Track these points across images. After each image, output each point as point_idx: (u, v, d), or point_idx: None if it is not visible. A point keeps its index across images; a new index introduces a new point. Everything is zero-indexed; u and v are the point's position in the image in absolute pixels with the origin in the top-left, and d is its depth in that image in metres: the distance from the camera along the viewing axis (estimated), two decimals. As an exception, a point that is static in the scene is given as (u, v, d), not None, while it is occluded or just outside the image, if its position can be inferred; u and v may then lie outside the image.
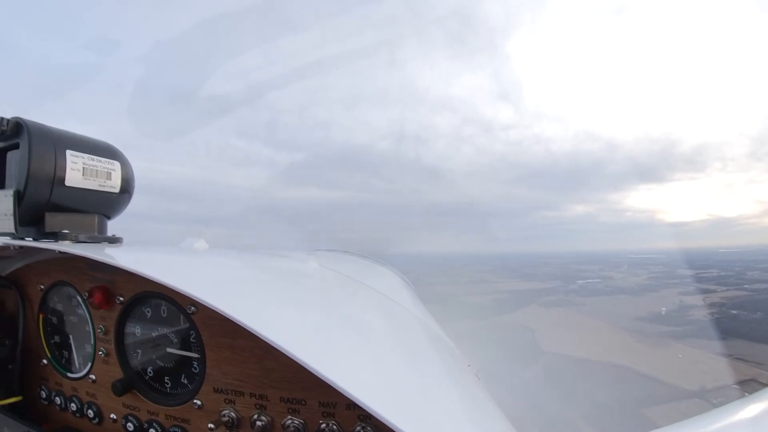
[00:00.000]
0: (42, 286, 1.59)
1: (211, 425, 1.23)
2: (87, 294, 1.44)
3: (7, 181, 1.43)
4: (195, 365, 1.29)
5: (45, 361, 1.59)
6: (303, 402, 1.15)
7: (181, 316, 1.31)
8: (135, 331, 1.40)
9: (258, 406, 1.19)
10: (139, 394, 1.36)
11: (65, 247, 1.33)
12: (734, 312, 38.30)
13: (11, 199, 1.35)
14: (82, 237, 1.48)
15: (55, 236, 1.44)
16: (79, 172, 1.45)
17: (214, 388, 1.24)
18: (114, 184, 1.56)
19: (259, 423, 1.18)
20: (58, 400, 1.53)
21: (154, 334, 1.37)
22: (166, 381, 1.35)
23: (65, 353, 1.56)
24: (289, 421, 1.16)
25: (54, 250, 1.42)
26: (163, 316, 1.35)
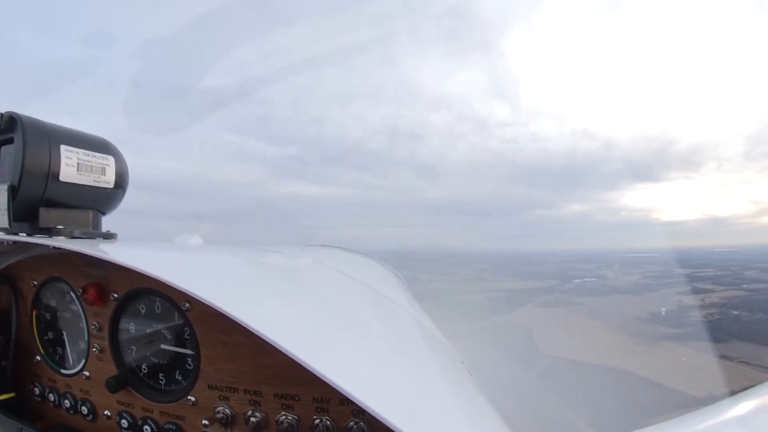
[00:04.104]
0: (35, 282, 1.58)
1: (205, 422, 1.23)
2: (81, 290, 1.43)
3: (1, 176, 1.42)
4: (189, 362, 1.29)
5: (38, 358, 1.58)
6: (297, 398, 1.15)
7: (176, 312, 1.30)
8: (129, 327, 1.39)
9: (252, 403, 1.19)
10: (133, 391, 1.35)
11: (59, 242, 1.33)
12: (735, 313, 38.18)
13: (5, 193, 1.34)
14: (76, 233, 1.47)
15: (49, 232, 1.43)
16: (73, 167, 1.44)
17: (208, 384, 1.24)
18: (108, 180, 1.56)
19: (253, 419, 1.18)
20: (51, 396, 1.53)
21: (148, 331, 1.36)
22: (160, 378, 1.34)
23: (59, 350, 1.56)
24: (283, 417, 1.16)
25: (48, 246, 1.41)
26: (158, 312, 1.34)
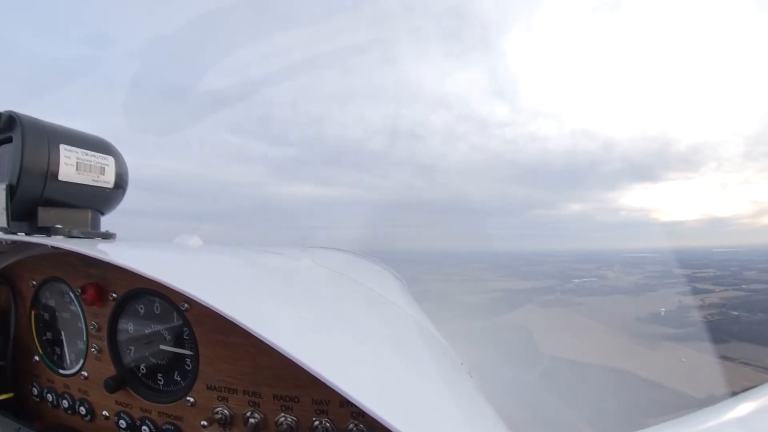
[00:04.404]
0: (34, 282, 1.58)
1: (204, 423, 1.23)
2: (80, 290, 1.43)
3: (0, 175, 1.42)
4: (188, 362, 1.28)
5: (37, 358, 1.58)
6: (296, 399, 1.15)
7: (175, 313, 1.30)
8: (128, 327, 1.39)
9: (251, 404, 1.19)
10: (131, 391, 1.35)
11: (58, 242, 1.33)
12: (735, 313, 38.02)
13: (4, 193, 1.34)
14: (75, 232, 1.47)
15: (48, 231, 1.43)
16: (72, 166, 1.44)
17: (207, 385, 1.24)
18: (108, 180, 1.55)
19: (252, 420, 1.18)
20: (50, 396, 1.52)
21: (147, 331, 1.36)
22: (159, 378, 1.34)
23: (57, 350, 1.55)
24: (282, 419, 1.16)
25: (47, 246, 1.41)
26: (157, 312, 1.34)
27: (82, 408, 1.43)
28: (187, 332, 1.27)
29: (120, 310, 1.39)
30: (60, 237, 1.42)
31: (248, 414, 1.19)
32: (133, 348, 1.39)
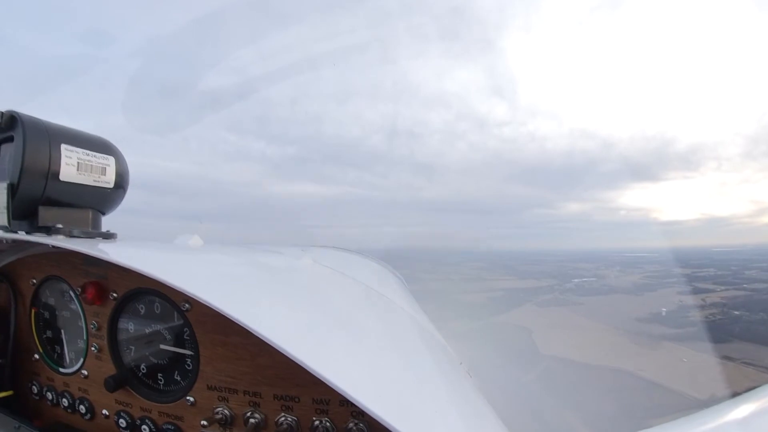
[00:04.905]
0: (34, 281, 1.58)
1: (204, 422, 1.23)
2: (80, 289, 1.43)
3: (1, 174, 1.42)
4: (188, 362, 1.29)
5: (36, 356, 1.58)
6: (296, 399, 1.15)
7: (175, 312, 1.30)
8: (128, 327, 1.39)
9: (251, 404, 1.19)
10: (131, 391, 1.35)
11: (58, 241, 1.33)
12: (736, 313, 37.84)
13: (5, 192, 1.34)
14: (75, 232, 1.47)
15: (49, 230, 1.43)
16: (73, 166, 1.44)
17: (207, 385, 1.24)
18: (108, 180, 1.55)
19: (252, 420, 1.18)
20: (49, 395, 1.53)
21: (147, 331, 1.36)
22: (159, 377, 1.34)
23: (57, 348, 1.56)
24: (283, 419, 1.16)
25: (47, 245, 1.41)
26: (157, 312, 1.34)
27: (81, 407, 1.44)
28: (187, 332, 1.28)
29: (120, 309, 1.39)
30: (60, 236, 1.42)
31: (248, 414, 1.19)
32: (133, 347, 1.39)
